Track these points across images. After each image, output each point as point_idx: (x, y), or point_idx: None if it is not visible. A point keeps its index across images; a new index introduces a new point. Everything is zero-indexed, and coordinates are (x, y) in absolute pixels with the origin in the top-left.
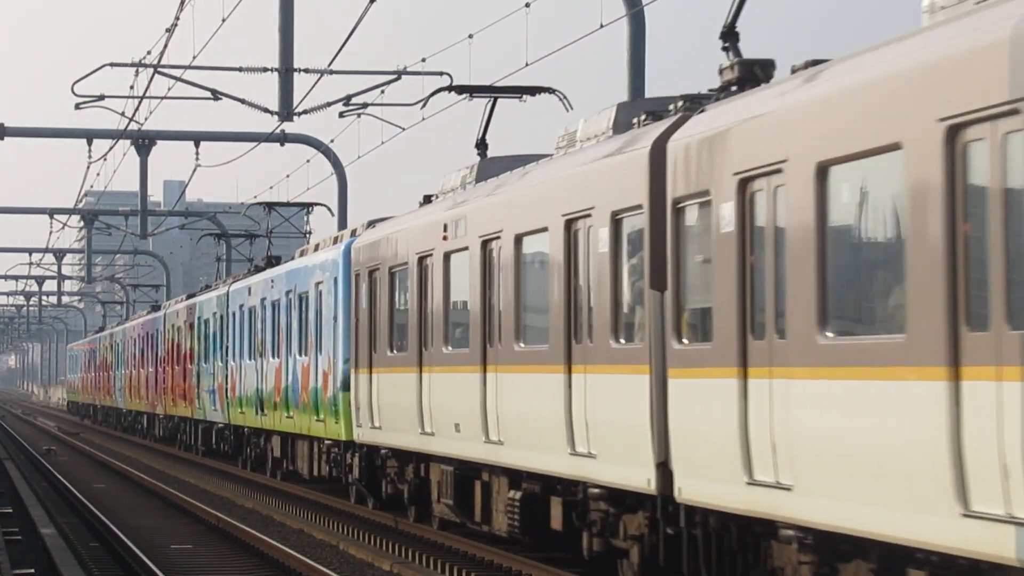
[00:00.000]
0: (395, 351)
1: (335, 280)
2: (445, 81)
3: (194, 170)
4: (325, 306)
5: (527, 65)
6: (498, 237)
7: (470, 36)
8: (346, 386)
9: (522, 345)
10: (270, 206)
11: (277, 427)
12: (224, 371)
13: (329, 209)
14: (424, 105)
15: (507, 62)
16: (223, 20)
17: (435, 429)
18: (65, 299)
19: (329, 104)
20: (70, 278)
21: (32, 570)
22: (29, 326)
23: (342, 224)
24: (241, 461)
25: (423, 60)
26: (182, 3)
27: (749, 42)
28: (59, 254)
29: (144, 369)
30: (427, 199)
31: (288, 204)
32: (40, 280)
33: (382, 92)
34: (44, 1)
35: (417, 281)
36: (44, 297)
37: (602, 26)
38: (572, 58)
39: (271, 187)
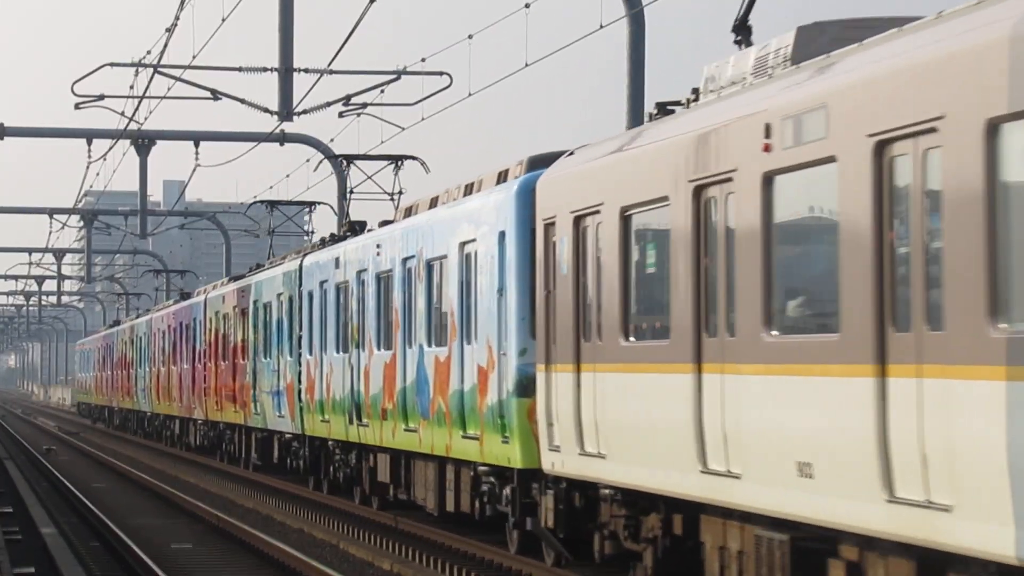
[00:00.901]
0: (637, 338)
1: (500, 236)
2: (445, 81)
3: (194, 170)
4: (481, 274)
5: (527, 65)
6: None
7: (470, 36)
8: (524, 390)
9: None
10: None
11: (387, 443)
12: (296, 367)
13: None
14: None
15: (507, 62)
16: (223, 20)
17: (739, 467)
18: (65, 299)
19: (329, 104)
20: (70, 278)
21: (32, 569)
22: (29, 326)
23: (342, 225)
24: (315, 481)
25: (423, 60)
26: (182, 3)
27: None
28: (59, 254)
29: (177, 366)
30: (662, 107)
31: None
32: (40, 280)
33: (382, 92)
34: (44, 1)
35: (694, 225)
36: (44, 297)
37: (602, 26)
38: (572, 58)
39: (271, 187)
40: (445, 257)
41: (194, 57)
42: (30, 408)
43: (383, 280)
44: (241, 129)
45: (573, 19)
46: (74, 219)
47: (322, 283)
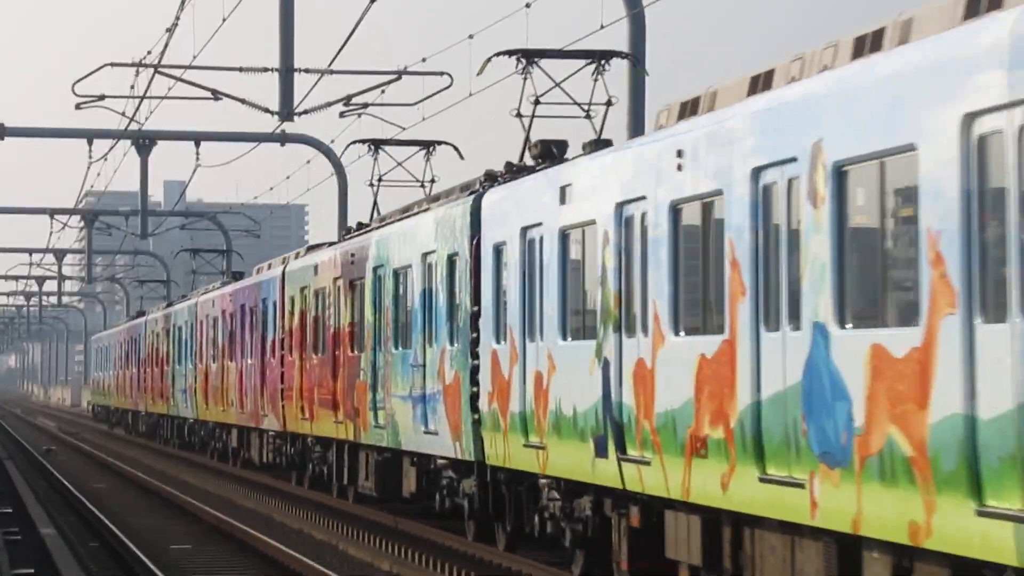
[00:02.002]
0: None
1: None
2: (445, 81)
3: (194, 170)
4: None
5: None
6: None
7: (470, 36)
8: None
9: None
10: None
11: (713, 500)
12: (466, 361)
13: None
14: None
15: (507, 62)
16: (223, 20)
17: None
18: (65, 299)
19: (329, 104)
20: (70, 278)
21: (32, 570)
22: (29, 326)
23: (342, 226)
24: (506, 540)
25: (423, 60)
26: (182, 3)
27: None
28: (59, 254)
29: (236, 362)
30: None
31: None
32: (40, 280)
33: (382, 92)
34: (44, 1)
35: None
36: (44, 297)
37: (602, 27)
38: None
39: (271, 188)
40: None
41: (195, 57)
42: (30, 408)
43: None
44: (242, 129)
45: (573, 19)
46: (75, 219)
47: (528, 231)
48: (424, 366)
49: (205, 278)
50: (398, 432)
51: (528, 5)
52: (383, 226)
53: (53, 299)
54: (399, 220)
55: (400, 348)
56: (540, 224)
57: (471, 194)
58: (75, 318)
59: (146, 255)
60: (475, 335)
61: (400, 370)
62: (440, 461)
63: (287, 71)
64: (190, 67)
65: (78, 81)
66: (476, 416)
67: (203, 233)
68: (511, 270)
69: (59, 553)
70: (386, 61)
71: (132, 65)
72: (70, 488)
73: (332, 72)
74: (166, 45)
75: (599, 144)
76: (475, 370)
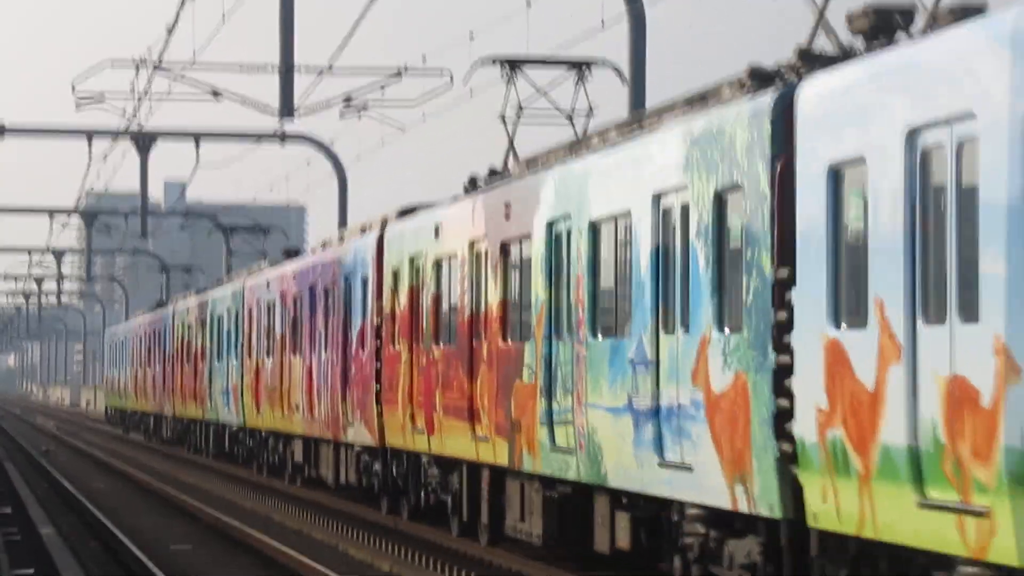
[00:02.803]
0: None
1: None
2: (446, 79)
3: (194, 169)
4: None
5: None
6: None
7: (471, 35)
8: None
9: None
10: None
11: None
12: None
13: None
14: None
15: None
16: (224, 19)
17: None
18: (64, 299)
19: (330, 103)
20: (70, 278)
21: (31, 570)
22: (28, 326)
23: (343, 225)
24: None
25: (424, 58)
26: (183, 2)
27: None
28: (59, 254)
29: (304, 355)
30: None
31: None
32: (40, 280)
33: (383, 91)
34: (44, 1)
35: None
36: (43, 297)
37: (603, 24)
38: (572, 57)
39: (271, 188)
40: None
41: (195, 56)
42: (29, 408)
43: None
44: (242, 128)
45: (574, 18)
46: (74, 219)
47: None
48: (657, 363)
49: (238, 261)
50: (600, 460)
51: (529, 4)
52: (563, 162)
53: (52, 299)
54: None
55: (605, 336)
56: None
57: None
58: (74, 318)
59: (146, 255)
60: (785, 315)
61: (607, 369)
62: (693, 511)
63: (287, 70)
64: (190, 66)
65: (78, 80)
66: (783, 446)
67: (203, 232)
68: (881, 200)
69: (59, 553)
70: (386, 60)
71: (132, 64)
72: (69, 488)
73: (332, 71)
74: (166, 44)
75: None
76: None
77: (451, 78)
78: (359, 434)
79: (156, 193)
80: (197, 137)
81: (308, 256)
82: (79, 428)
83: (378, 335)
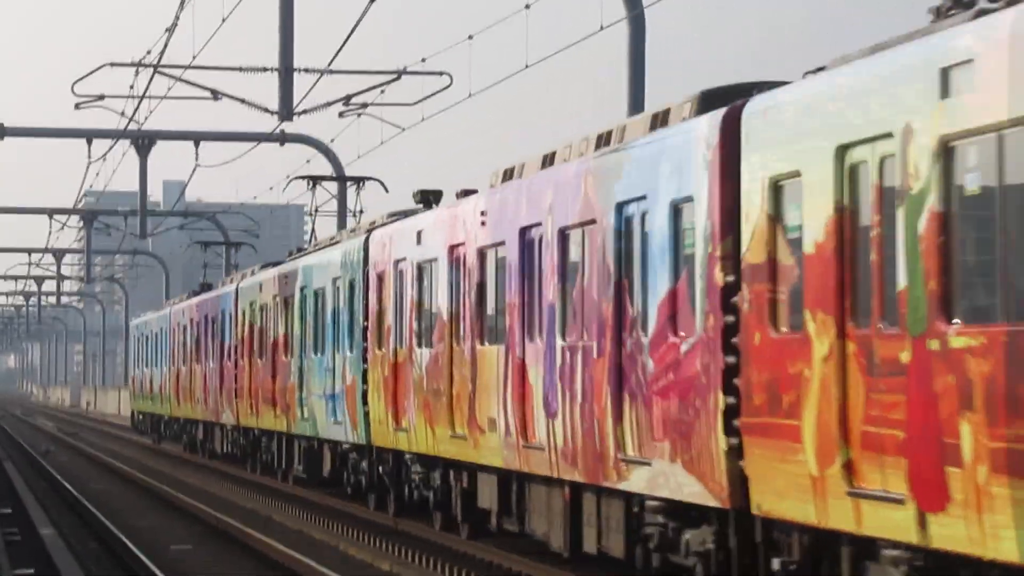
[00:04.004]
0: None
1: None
2: (445, 81)
3: (194, 170)
4: None
5: (527, 67)
6: None
7: (470, 37)
8: None
9: None
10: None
11: None
12: None
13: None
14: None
15: (507, 63)
16: (223, 20)
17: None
18: (64, 299)
19: (329, 104)
20: (69, 278)
21: (31, 570)
22: (28, 326)
23: (342, 226)
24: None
25: (423, 60)
26: (182, 3)
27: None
28: (58, 254)
29: (515, 345)
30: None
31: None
32: (39, 280)
33: (382, 92)
34: (44, 1)
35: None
36: (43, 297)
37: (602, 28)
38: (572, 59)
39: (271, 188)
40: None
41: (194, 57)
42: (29, 409)
43: None
44: (241, 129)
45: (573, 20)
46: (74, 219)
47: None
48: None
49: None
50: None
51: (528, 6)
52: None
53: (52, 299)
54: None
55: None
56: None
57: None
58: (74, 318)
59: (145, 255)
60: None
61: None
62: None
63: (286, 71)
64: (190, 67)
65: (78, 81)
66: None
67: (203, 233)
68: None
69: (59, 553)
70: (386, 61)
71: (132, 65)
72: (69, 488)
73: (332, 72)
74: (166, 45)
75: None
76: None
77: (450, 79)
78: (693, 486)
79: (155, 193)
80: (196, 138)
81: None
82: (79, 429)
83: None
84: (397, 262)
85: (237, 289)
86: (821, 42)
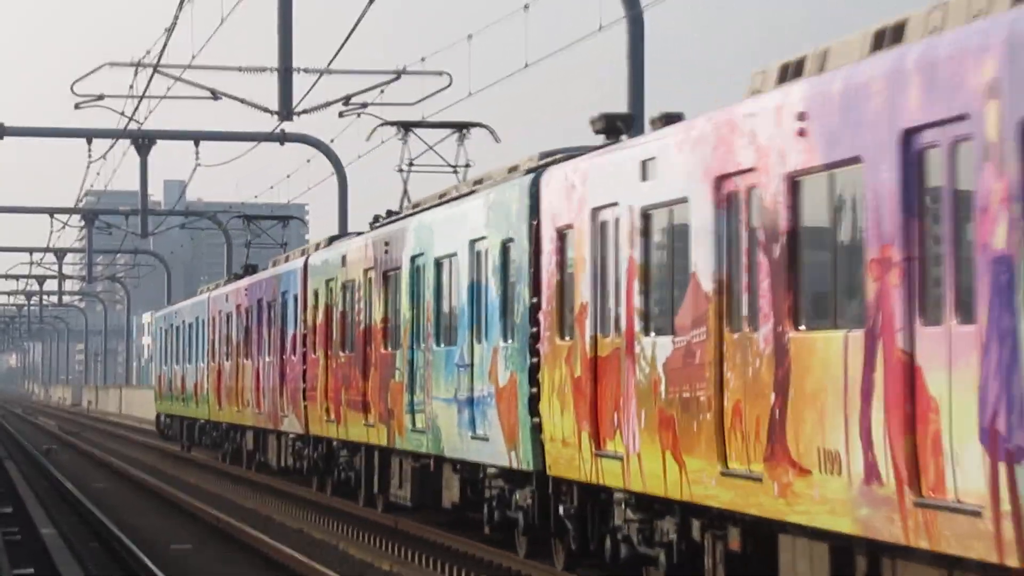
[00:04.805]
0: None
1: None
2: (445, 81)
3: (194, 169)
4: None
5: (526, 66)
6: None
7: (469, 37)
8: None
9: None
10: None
11: None
12: None
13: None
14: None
15: (506, 63)
16: (223, 20)
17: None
18: (66, 299)
19: (329, 104)
20: (71, 277)
21: (32, 570)
22: (30, 326)
23: (342, 226)
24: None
25: (423, 60)
26: (181, 3)
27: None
28: (60, 253)
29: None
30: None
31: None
32: (41, 280)
33: (382, 92)
34: (44, 1)
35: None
36: (45, 296)
37: (601, 27)
38: (571, 60)
39: (271, 187)
40: None
41: (194, 57)
42: (31, 408)
43: None
44: (241, 129)
45: (573, 20)
46: (75, 219)
47: None
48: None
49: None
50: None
51: (527, 6)
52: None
53: (53, 298)
54: None
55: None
56: None
57: None
58: (75, 317)
59: (146, 254)
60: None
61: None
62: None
63: (286, 71)
64: (189, 67)
65: (77, 81)
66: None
67: (203, 233)
68: None
69: (59, 553)
70: (385, 61)
71: (131, 65)
72: (70, 488)
73: (331, 72)
74: (165, 45)
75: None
76: None
77: (450, 79)
78: None
79: (156, 193)
80: (196, 138)
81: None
82: (81, 428)
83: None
84: (597, 210)
85: (306, 265)
86: (821, 42)
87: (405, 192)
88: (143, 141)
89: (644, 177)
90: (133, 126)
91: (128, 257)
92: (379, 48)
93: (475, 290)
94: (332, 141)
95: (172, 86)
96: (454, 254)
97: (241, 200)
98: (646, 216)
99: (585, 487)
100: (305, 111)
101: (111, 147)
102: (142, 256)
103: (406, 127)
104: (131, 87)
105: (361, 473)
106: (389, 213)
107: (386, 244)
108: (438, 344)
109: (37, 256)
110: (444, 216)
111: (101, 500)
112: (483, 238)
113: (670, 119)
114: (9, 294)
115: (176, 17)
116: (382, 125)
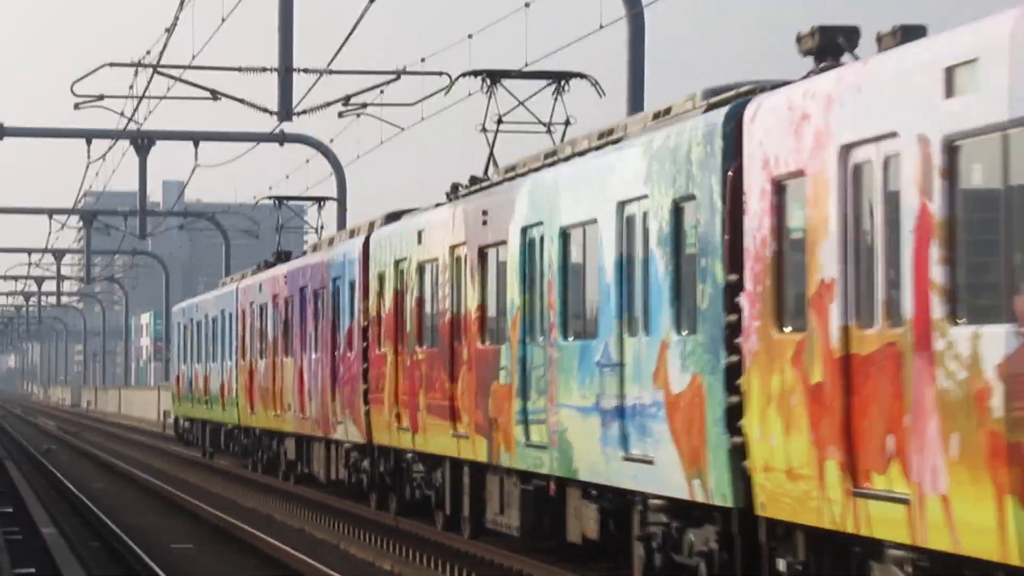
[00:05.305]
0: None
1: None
2: (444, 81)
3: (193, 170)
4: None
5: (527, 66)
6: None
7: (469, 36)
8: None
9: None
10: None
11: None
12: None
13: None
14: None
15: (506, 62)
16: (223, 20)
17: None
18: (64, 299)
19: (328, 104)
20: (69, 278)
21: (32, 569)
22: (29, 326)
23: (342, 224)
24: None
25: (422, 60)
26: (181, 3)
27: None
28: (58, 254)
29: None
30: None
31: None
32: (39, 280)
33: (381, 92)
34: (44, 1)
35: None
36: (43, 297)
37: (602, 27)
38: (571, 59)
39: (271, 187)
40: None
41: (194, 57)
42: (30, 408)
43: None
44: (241, 129)
45: (573, 19)
46: (74, 219)
47: None
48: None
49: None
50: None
51: (527, 5)
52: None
53: (52, 299)
54: None
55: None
56: None
57: None
58: (74, 318)
59: (145, 255)
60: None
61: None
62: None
63: (286, 71)
64: (189, 67)
65: (77, 81)
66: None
67: (202, 233)
68: None
69: (60, 553)
70: (385, 61)
71: (131, 65)
72: (71, 488)
73: (331, 72)
74: (165, 45)
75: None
76: None
77: (450, 79)
78: None
79: (155, 193)
80: (196, 138)
81: None
82: (80, 428)
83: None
84: (850, 148)
85: (367, 245)
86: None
87: (491, 156)
88: (142, 141)
89: (950, 92)
90: (133, 126)
91: (126, 258)
92: (379, 48)
93: (626, 266)
94: (332, 141)
95: (172, 86)
96: (591, 221)
97: (240, 201)
98: (952, 149)
99: (827, 536)
100: (305, 111)
101: (110, 147)
102: (140, 257)
103: (493, 77)
104: (131, 87)
105: (444, 492)
106: (473, 180)
107: (484, 214)
108: (565, 337)
109: (36, 257)
110: (575, 173)
111: (101, 500)
112: (640, 198)
113: (909, 32)
114: (8, 295)
115: (176, 17)
116: (464, 76)
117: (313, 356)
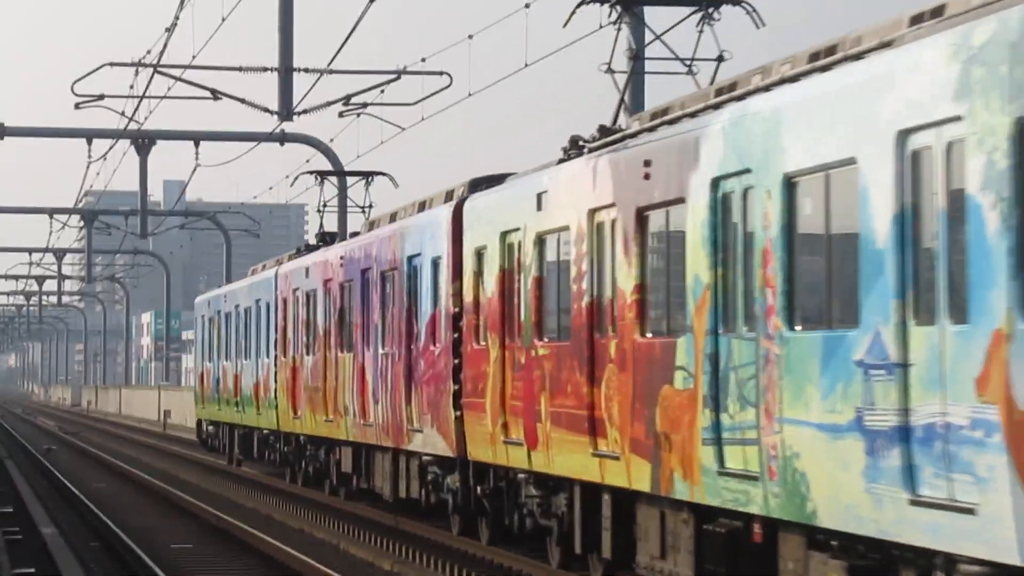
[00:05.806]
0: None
1: None
2: (445, 81)
3: (194, 170)
4: None
5: (527, 66)
6: None
7: (470, 36)
8: None
9: None
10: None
11: None
12: None
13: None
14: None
15: (507, 62)
16: (223, 20)
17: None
18: (65, 299)
19: (329, 104)
20: (70, 278)
21: (32, 569)
22: (29, 326)
23: (342, 227)
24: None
25: (423, 60)
26: (182, 3)
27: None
28: (59, 254)
29: None
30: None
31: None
32: (40, 280)
33: (382, 92)
34: (44, 1)
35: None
36: (44, 297)
37: (602, 27)
38: (572, 59)
39: (270, 187)
40: None
41: (194, 57)
42: (30, 408)
43: None
44: (241, 129)
45: (573, 19)
46: (74, 219)
47: None
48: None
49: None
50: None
51: (528, 5)
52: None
53: (53, 299)
54: None
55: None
56: None
57: None
58: (75, 318)
59: (146, 254)
60: None
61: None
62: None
63: (286, 71)
64: (189, 67)
65: (77, 81)
66: None
67: (203, 233)
68: None
69: (60, 553)
70: (385, 61)
71: (132, 65)
72: (70, 488)
73: (331, 72)
74: (165, 45)
75: None
76: None
77: (450, 79)
78: None
79: (156, 193)
80: (196, 138)
81: None
82: (80, 428)
83: None
84: None
85: (458, 212)
86: (821, 42)
87: (621, 102)
88: (143, 141)
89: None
90: (133, 126)
91: (127, 257)
92: (379, 48)
93: (911, 224)
94: (332, 141)
95: (172, 86)
96: (845, 162)
97: (240, 200)
98: None
99: None
100: (305, 111)
101: (111, 147)
102: (141, 256)
103: (624, 3)
104: (131, 87)
105: (573, 525)
106: (603, 130)
107: (646, 165)
108: (793, 326)
109: (36, 256)
110: (812, 96)
111: (101, 499)
112: (946, 121)
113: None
114: (8, 294)
115: (176, 17)
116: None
117: (380, 351)
